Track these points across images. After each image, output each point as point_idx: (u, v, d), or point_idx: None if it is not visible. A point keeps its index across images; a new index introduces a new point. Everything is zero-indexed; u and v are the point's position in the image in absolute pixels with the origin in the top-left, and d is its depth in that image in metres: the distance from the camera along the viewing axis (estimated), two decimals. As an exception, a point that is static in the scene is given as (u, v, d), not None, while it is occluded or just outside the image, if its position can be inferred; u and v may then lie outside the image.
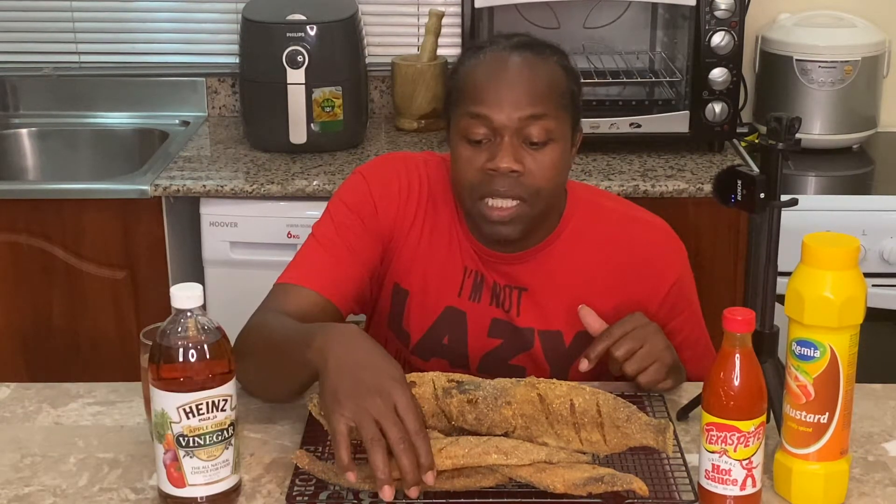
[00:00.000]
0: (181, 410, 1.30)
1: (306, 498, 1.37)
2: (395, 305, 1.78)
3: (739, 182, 1.50)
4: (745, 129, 2.98)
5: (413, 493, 1.31)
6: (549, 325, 1.75)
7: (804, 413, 1.34)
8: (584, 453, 1.42)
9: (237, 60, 2.91)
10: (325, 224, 1.75)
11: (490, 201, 1.64)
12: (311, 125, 2.79)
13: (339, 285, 1.69)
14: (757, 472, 1.33)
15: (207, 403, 1.30)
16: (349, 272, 1.71)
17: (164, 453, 1.33)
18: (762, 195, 1.47)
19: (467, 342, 1.76)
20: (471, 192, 1.65)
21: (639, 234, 1.77)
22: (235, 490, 1.37)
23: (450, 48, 3.09)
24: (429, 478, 1.30)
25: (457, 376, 1.48)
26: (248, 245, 2.67)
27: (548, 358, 1.76)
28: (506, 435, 1.44)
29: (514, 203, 1.63)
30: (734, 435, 1.30)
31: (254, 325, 1.61)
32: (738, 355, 1.31)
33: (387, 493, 1.29)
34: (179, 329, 1.31)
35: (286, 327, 1.54)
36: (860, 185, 2.93)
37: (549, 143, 1.63)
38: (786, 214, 1.51)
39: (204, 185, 2.61)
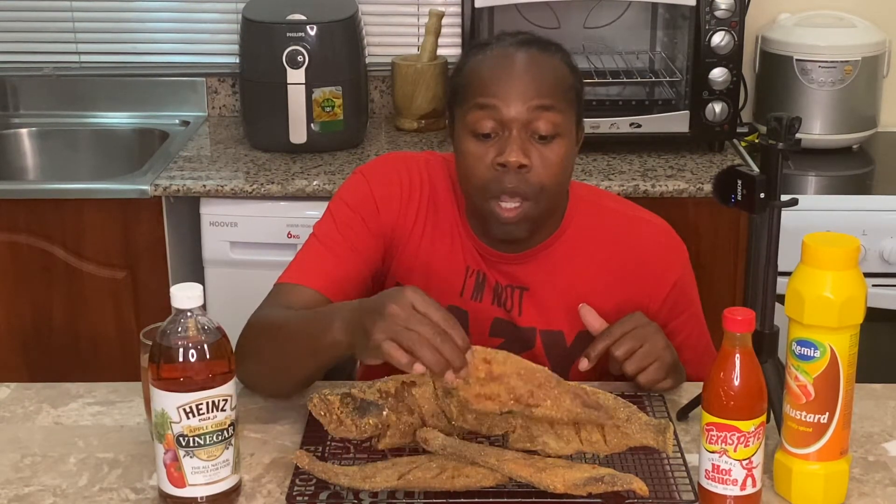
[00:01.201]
0: (181, 410, 1.30)
1: (306, 498, 1.37)
2: None
3: (739, 182, 1.49)
4: (745, 129, 2.98)
5: (464, 373, 1.35)
6: (551, 324, 1.75)
7: (804, 413, 1.34)
8: (584, 453, 1.42)
9: (237, 60, 2.91)
10: (327, 223, 1.75)
11: (501, 202, 1.64)
12: (311, 125, 2.79)
13: (341, 284, 1.69)
14: (757, 472, 1.33)
15: (207, 403, 1.30)
16: (351, 271, 1.71)
17: (164, 453, 1.33)
18: (762, 195, 1.47)
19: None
20: (482, 192, 1.65)
21: (640, 235, 1.77)
22: (235, 490, 1.37)
23: (450, 48, 3.09)
24: (468, 357, 1.36)
25: (457, 376, 1.48)
26: (248, 245, 2.67)
27: (549, 358, 1.76)
28: (505, 435, 1.44)
29: (522, 203, 1.63)
30: (734, 435, 1.30)
31: (257, 321, 1.61)
32: (738, 355, 1.31)
33: (450, 378, 1.35)
34: (179, 329, 1.31)
35: (298, 317, 1.55)
36: (860, 185, 2.93)
37: (556, 137, 1.63)
38: (786, 214, 1.51)
39: (204, 185, 2.61)
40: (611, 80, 2.92)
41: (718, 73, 2.73)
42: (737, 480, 1.32)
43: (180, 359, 1.30)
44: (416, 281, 1.76)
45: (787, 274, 1.36)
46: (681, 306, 1.77)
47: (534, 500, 1.36)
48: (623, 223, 1.78)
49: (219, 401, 1.31)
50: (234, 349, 1.53)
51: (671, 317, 1.76)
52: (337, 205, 1.76)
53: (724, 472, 1.32)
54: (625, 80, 2.93)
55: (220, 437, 1.32)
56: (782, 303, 1.35)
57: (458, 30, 3.03)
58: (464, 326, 1.75)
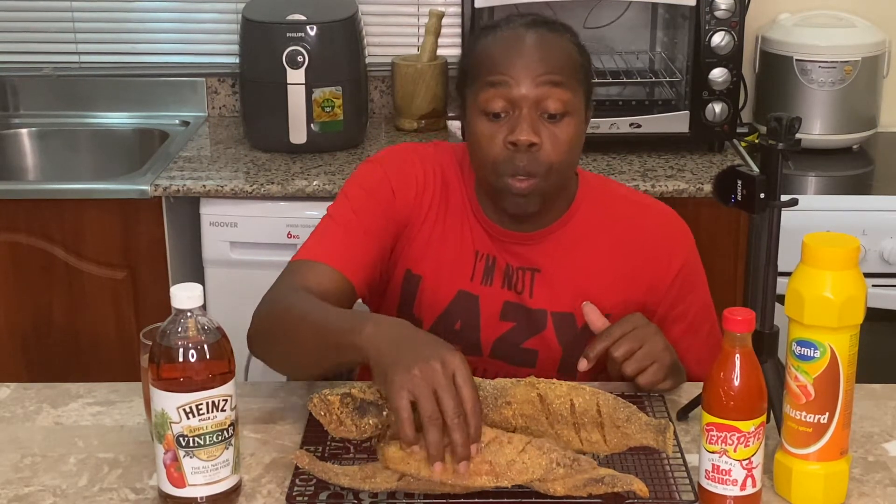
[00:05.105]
0: (181, 410, 1.30)
1: (306, 498, 1.37)
2: (407, 292, 1.78)
3: (739, 182, 1.50)
4: (745, 129, 2.98)
5: (462, 467, 1.31)
6: (561, 306, 1.76)
7: (804, 413, 1.34)
8: (584, 453, 1.42)
9: (237, 60, 2.91)
10: (342, 206, 1.75)
11: (514, 179, 1.64)
12: (311, 125, 2.79)
13: (357, 263, 1.69)
14: (757, 472, 1.33)
15: (207, 403, 1.30)
16: (366, 252, 1.71)
17: (164, 453, 1.33)
18: (762, 195, 1.47)
19: (480, 326, 1.77)
20: (494, 171, 1.66)
21: (647, 218, 1.79)
22: (235, 490, 1.37)
23: (450, 48, 3.09)
24: (472, 450, 1.31)
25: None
26: (248, 245, 2.67)
27: (560, 340, 1.76)
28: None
29: (531, 180, 1.64)
30: (734, 435, 1.30)
31: (282, 302, 1.60)
32: (738, 355, 1.31)
33: (438, 468, 1.31)
34: (179, 329, 1.31)
35: (327, 310, 1.53)
36: (860, 185, 2.93)
37: (565, 116, 1.65)
38: (786, 214, 1.51)
39: (204, 185, 2.61)
40: (611, 80, 2.93)
41: (718, 74, 2.73)
42: (737, 481, 1.32)
43: (180, 359, 1.30)
44: (427, 266, 1.76)
45: (787, 274, 1.36)
46: (688, 288, 1.79)
47: (534, 500, 1.36)
48: (630, 209, 1.80)
49: (219, 401, 1.31)
50: (250, 330, 1.54)
51: (679, 299, 1.77)
52: (352, 188, 1.76)
53: (724, 473, 1.32)
54: (625, 80, 2.94)
55: (220, 437, 1.32)
56: (782, 303, 1.35)
57: (458, 30, 3.04)
58: (474, 311, 1.76)
